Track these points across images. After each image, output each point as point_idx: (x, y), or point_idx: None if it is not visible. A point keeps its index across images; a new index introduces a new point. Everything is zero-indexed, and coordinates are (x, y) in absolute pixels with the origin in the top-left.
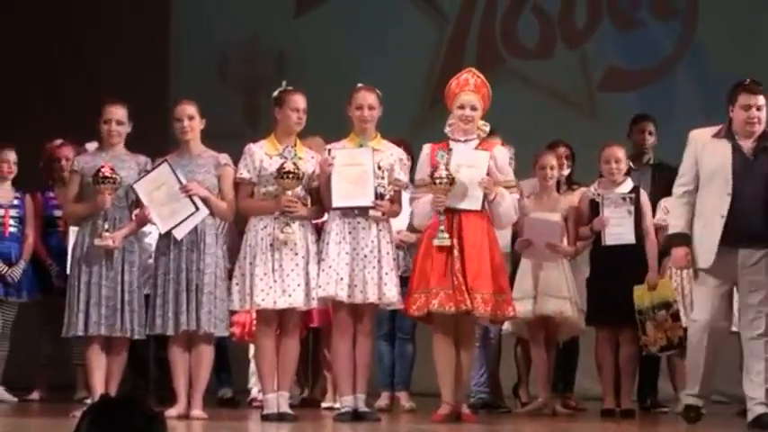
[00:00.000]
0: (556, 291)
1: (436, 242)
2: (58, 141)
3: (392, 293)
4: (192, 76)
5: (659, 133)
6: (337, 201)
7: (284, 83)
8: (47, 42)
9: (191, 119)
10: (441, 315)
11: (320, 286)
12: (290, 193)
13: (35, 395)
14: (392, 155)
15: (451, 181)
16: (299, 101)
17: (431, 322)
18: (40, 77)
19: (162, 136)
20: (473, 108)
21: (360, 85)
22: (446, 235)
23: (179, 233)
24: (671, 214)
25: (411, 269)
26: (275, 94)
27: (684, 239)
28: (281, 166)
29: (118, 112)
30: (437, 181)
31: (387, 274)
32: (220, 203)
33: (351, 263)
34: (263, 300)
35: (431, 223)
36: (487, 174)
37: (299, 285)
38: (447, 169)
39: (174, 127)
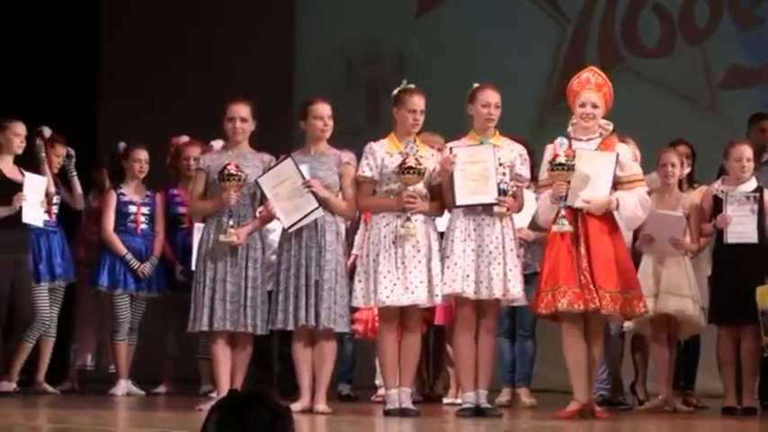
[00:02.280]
0: (677, 289)
1: (555, 228)
2: (185, 138)
3: (516, 290)
4: (316, 75)
5: None
6: (461, 198)
7: (404, 81)
8: (176, 42)
9: (329, 117)
10: (570, 313)
11: (445, 283)
12: (411, 188)
13: (162, 389)
14: (512, 151)
15: (571, 167)
16: (417, 102)
17: (558, 320)
18: (169, 76)
19: (286, 134)
20: (594, 106)
21: (481, 84)
22: (566, 221)
23: (296, 227)
24: None
25: (531, 266)
26: (394, 93)
27: None
28: (403, 162)
29: (242, 110)
30: (557, 168)
31: (511, 270)
32: (340, 202)
33: (476, 259)
34: (387, 297)
35: (554, 218)
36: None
37: (421, 282)
38: (567, 157)
39: (314, 125)
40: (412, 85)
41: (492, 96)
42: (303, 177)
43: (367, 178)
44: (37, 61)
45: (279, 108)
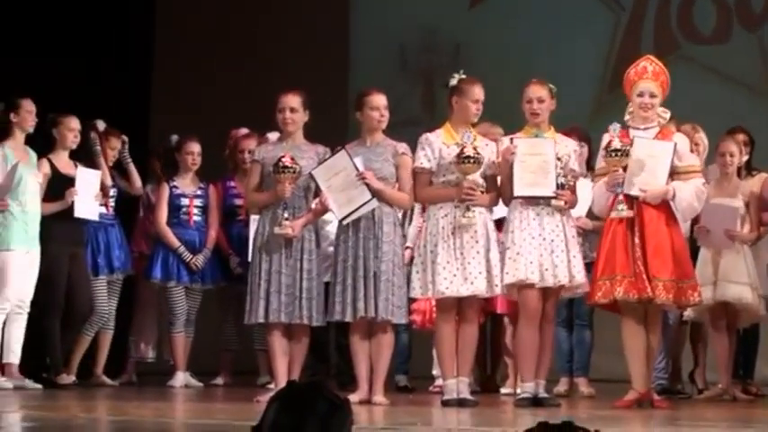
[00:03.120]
0: (736, 276)
1: (614, 214)
2: (244, 131)
3: (581, 276)
4: (371, 65)
5: None
6: (519, 189)
7: (461, 71)
8: (233, 33)
9: (385, 108)
10: (627, 302)
11: (508, 272)
12: (470, 177)
13: (219, 380)
14: (567, 146)
15: (626, 152)
16: (479, 92)
17: (614, 310)
18: (226, 68)
19: (342, 125)
20: (652, 95)
21: (533, 79)
22: (624, 206)
23: (349, 219)
24: None
25: (588, 256)
26: (453, 82)
27: None
28: (461, 151)
29: (291, 101)
30: (612, 154)
31: (574, 257)
32: (396, 194)
33: (538, 247)
34: (446, 288)
35: (610, 205)
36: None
37: (480, 273)
38: (622, 142)
39: (370, 116)
40: (467, 76)
41: (534, 91)
42: (357, 169)
43: (425, 169)
44: (90, 54)
45: (334, 99)
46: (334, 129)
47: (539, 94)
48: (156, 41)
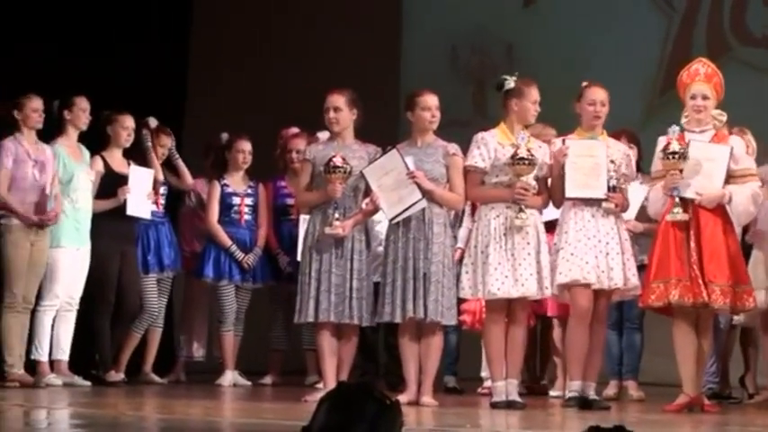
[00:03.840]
0: None
1: (669, 217)
2: (294, 130)
3: (635, 278)
4: (422, 65)
5: None
6: (571, 191)
7: (516, 74)
8: (283, 31)
9: (437, 109)
10: (682, 306)
11: (561, 272)
12: (523, 178)
13: (268, 379)
14: (619, 150)
15: (684, 155)
16: (537, 93)
17: (666, 313)
18: (275, 66)
19: (392, 125)
20: (705, 97)
21: (589, 82)
22: (680, 210)
23: (399, 218)
24: None
25: (638, 259)
26: (510, 85)
27: None
28: (515, 152)
29: (336, 100)
30: (670, 156)
31: (629, 260)
32: (447, 194)
33: (593, 248)
34: (498, 289)
35: (666, 208)
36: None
37: (531, 274)
38: (680, 144)
39: (422, 117)
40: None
41: (598, 94)
42: (408, 168)
43: (478, 168)
44: (129, 53)
45: (385, 99)
46: (385, 129)
47: (602, 98)
48: (192, 41)
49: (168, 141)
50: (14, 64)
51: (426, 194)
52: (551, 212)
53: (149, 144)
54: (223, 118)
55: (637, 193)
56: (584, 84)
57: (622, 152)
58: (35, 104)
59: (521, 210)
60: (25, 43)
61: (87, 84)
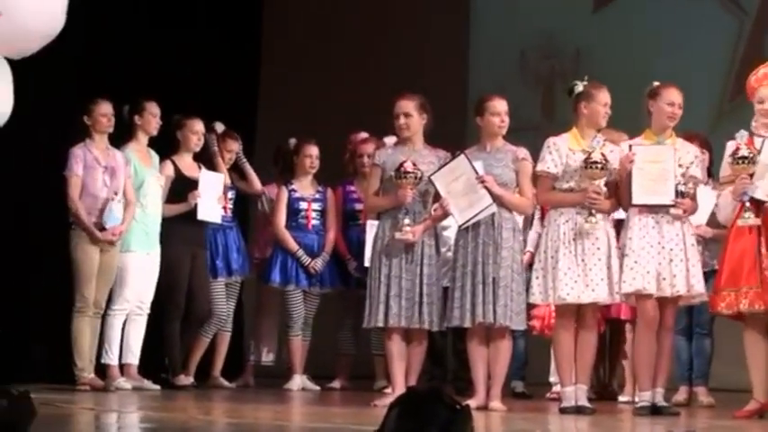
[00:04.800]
0: None
1: (740, 222)
2: (363, 135)
3: (700, 286)
4: (491, 70)
5: None
6: (638, 197)
7: (585, 78)
8: (348, 36)
9: (506, 114)
10: (752, 313)
11: (625, 281)
12: (596, 182)
13: (336, 384)
14: (688, 152)
15: (753, 159)
16: (607, 96)
17: (738, 319)
18: (341, 70)
19: (461, 130)
20: None
21: (664, 82)
22: (752, 214)
23: (469, 223)
24: None
25: (708, 264)
26: (579, 89)
27: None
28: (589, 156)
29: (405, 106)
30: (739, 161)
31: (693, 266)
32: (517, 199)
33: (657, 256)
34: (567, 294)
35: (736, 214)
36: None
37: (602, 280)
38: (749, 149)
39: (491, 122)
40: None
41: (677, 96)
42: (477, 173)
43: (550, 173)
44: (200, 57)
45: (453, 104)
46: (454, 134)
47: (680, 100)
48: (262, 44)
49: (235, 146)
50: (85, 68)
51: (496, 199)
52: (620, 213)
53: (215, 149)
54: (295, 123)
55: (708, 198)
56: (657, 83)
57: (693, 153)
58: (104, 109)
59: (590, 214)
60: (96, 47)
61: (159, 89)
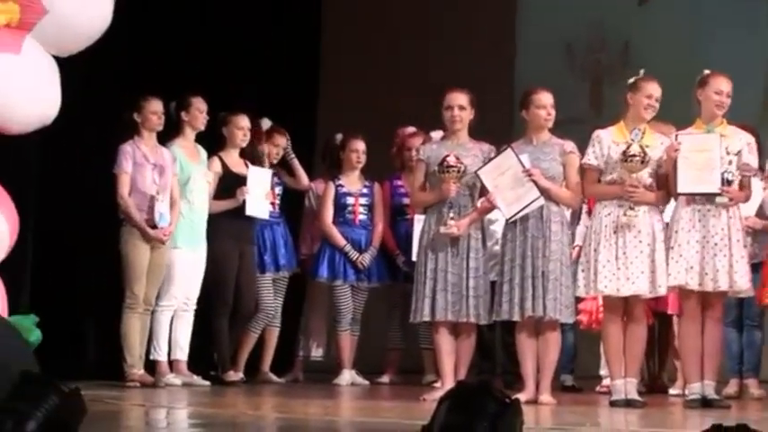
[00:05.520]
0: None
1: None
2: (410, 129)
3: (743, 281)
4: (537, 63)
5: None
6: (683, 187)
7: (642, 71)
8: (398, 31)
9: (552, 107)
10: None
11: (670, 274)
12: (634, 176)
13: (385, 378)
14: (740, 140)
15: None
16: (652, 89)
17: None
18: (391, 65)
19: (507, 123)
20: None
21: (713, 70)
22: None
23: (516, 217)
24: None
25: (757, 256)
26: (631, 80)
27: None
28: (627, 149)
29: (459, 98)
30: None
31: (737, 261)
32: (564, 192)
33: (701, 251)
34: (605, 286)
35: None
36: None
37: (642, 273)
38: None
39: (537, 115)
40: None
41: (726, 84)
42: (524, 167)
43: (592, 166)
44: (257, 51)
45: (500, 97)
46: (500, 128)
47: (729, 89)
48: (321, 41)
49: (283, 141)
50: (130, 65)
51: (543, 192)
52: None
53: (263, 146)
54: (350, 118)
55: (756, 189)
56: (707, 72)
57: (744, 141)
58: (155, 107)
59: (630, 207)
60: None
61: (214, 86)
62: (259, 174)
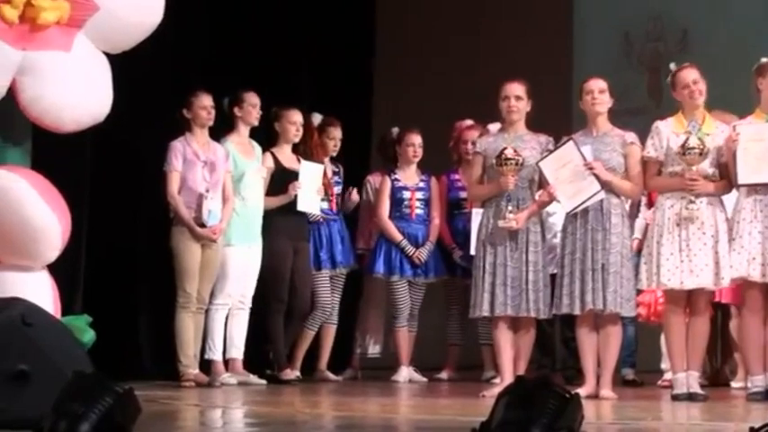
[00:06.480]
0: None
1: None
2: (468, 122)
3: None
4: (595, 54)
5: None
6: (743, 177)
7: (672, 66)
8: (454, 21)
9: (600, 92)
10: None
11: (732, 266)
12: (694, 168)
13: (444, 375)
14: None
15: None
16: (686, 75)
17: None
18: (447, 57)
19: (565, 115)
20: None
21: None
22: None
23: (577, 209)
24: None
25: None
26: (667, 80)
27: None
28: (685, 142)
29: (516, 89)
30: None
31: None
32: (625, 184)
33: (763, 242)
34: (668, 280)
35: None
36: None
37: (706, 265)
38: None
39: (585, 102)
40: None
41: None
42: (584, 159)
43: (652, 158)
44: (313, 46)
45: (557, 87)
46: (558, 119)
47: None
48: (377, 29)
49: (338, 133)
50: (186, 62)
51: (604, 185)
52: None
53: (313, 141)
54: (406, 112)
55: None
56: (765, 60)
57: None
58: (205, 102)
59: (691, 201)
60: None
61: (269, 81)
62: (311, 169)
